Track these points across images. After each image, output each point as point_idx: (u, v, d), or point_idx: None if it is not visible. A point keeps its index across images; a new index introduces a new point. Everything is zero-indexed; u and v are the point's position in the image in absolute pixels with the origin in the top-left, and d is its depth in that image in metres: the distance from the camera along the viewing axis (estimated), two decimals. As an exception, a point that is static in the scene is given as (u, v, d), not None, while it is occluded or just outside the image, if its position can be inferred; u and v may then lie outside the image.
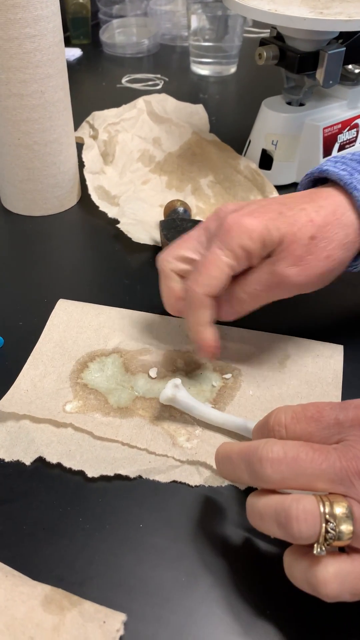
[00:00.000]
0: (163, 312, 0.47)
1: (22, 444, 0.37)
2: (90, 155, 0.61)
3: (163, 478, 0.35)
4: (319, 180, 0.42)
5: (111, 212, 0.57)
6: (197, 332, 0.38)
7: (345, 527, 0.26)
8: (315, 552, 0.26)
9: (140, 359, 0.43)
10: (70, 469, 0.35)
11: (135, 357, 0.43)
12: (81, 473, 0.35)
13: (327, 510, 0.26)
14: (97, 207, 0.57)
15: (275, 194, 0.60)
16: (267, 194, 0.60)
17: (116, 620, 0.29)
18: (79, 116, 0.68)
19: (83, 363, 0.42)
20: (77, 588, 0.31)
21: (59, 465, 0.36)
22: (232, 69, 0.95)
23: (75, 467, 0.35)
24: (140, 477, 0.35)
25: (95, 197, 0.58)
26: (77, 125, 0.64)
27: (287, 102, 0.63)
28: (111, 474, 0.35)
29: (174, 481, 0.35)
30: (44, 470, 0.36)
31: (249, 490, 0.34)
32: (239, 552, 0.32)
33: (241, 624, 0.30)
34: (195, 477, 0.35)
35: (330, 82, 0.58)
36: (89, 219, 0.59)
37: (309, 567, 0.27)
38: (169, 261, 0.40)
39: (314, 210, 0.37)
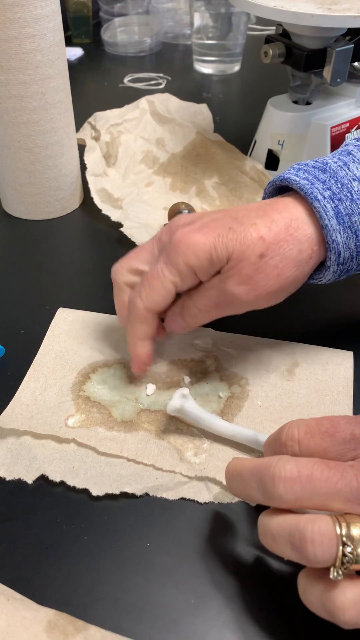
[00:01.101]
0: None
1: (24, 461, 0.35)
2: (93, 157, 0.60)
3: (171, 495, 0.34)
4: (284, 188, 0.40)
5: (114, 215, 0.55)
6: (133, 345, 0.38)
7: None
8: (331, 576, 0.25)
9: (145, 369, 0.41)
10: (74, 487, 0.34)
11: None
12: (85, 491, 0.34)
13: (344, 532, 0.25)
14: (100, 210, 0.56)
15: (281, 195, 0.58)
16: (274, 195, 0.58)
17: (123, 646, 0.28)
18: (81, 117, 0.67)
19: (85, 375, 0.41)
20: (82, 611, 0.29)
21: (62, 483, 0.34)
22: (236, 67, 0.94)
23: (80, 486, 0.34)
24: (147, 494, 0.34)
25: (97, 200, 0.56)
26: (78, 127, 0.63)
27: (294, 101, 0.62)
28: (117, 492, 0.34)
29: (182, 498, 0.34)
30: (46, 488, 0.35)
31: (260, 507, 0.33)
32: (251, 572, 0.31)
33: (254, 649, 0.28)
34: (204, 494, 0.34)
35: (338, 80, 0.57)
36: (91, 222, 0.58)
37: (325, 592, 0.25)
38: (121, 273, 0.39)
39: (266, 225, 0.35)
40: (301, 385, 0.40)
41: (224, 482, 0.34)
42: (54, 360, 0.42)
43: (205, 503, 0.34)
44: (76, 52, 0.98)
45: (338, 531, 0.25)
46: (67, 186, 0.57)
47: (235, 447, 0.36)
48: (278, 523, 0.27)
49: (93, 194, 0.57)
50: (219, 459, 0.36)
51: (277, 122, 0.61)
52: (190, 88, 0.88)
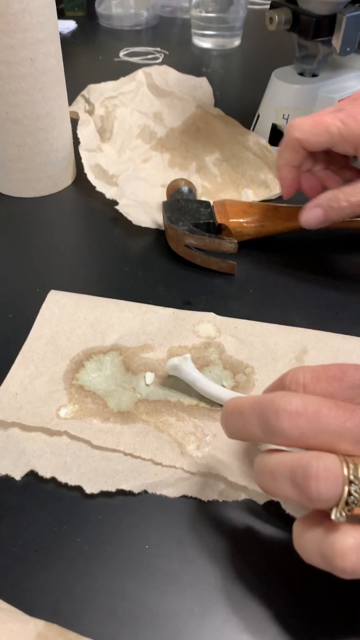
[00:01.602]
0: (167, 302, 0.43)
1: (11, 456, 0.32)
2: (86, 132, 0.56)
3: (171, 492, 0.31)
4: None
5: (109, 192, 0.52)
6: (279, 170, 0.44)
7: None
8: (333, 517, 0.23)
9: (142, 357, 0.38)
10: (66, 484, 0.31)
11: (137, 355, 0.39)
12: (78, 488, 0.31)
13: (351, 471, 0.23)
14: (94, 187, 0.53)
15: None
16: (279, 172, 0.55)
17: (120, 661, 0.25)
18: (74, 92, 0.63)
19: (78, 362, 0.38)
20: (75, 621, 0.27)
21: (53, 479, 0.32)
22: (236, 42, 0.90)
23: (72, 482, 0.31)
24: (145, 491, 0.31)
25: (91, 177, 0.53)
26: (71, 101, 0.59)
27: (299, 72, 0.59)
28: (113, 489, 0.31)
29: (184, 496, 0.31)
30: (36, 485, 0.32)
31: (269, 505, 0.31)
32: (262, 577, 0.28)
33: (264, 663, 0.26)
34: (207, 491, 0.31)
35: (348, 49, 0.53)
36: (85, 200, 0.55)
37: (323, 537, 0.23)
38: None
39: None
40: None
41: (230, 478, 0.31)
42: (45, 346, 0.39)
43: (208, 501, 0.31)
44: (69, 25, 0.94)
45: (345, 470, 0.23)
46: (59, 162, 0.54)
47: (240, 441, 0.34)
48: (279, 459, 0.25)
49: (87, 169, 0.53)
50: (224, 452, 0.33)
51: (282, 94, 0.57)
52: (188, 63, 0.84)
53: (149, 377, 0.37)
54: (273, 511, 0.30)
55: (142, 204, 0.51)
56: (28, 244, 0.50)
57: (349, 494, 0.23)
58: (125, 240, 0.50)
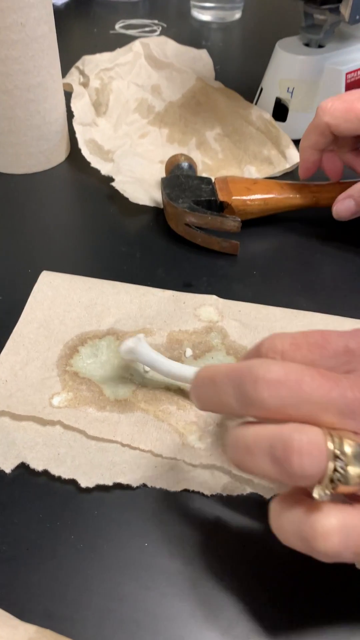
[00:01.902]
0: (166, 284, 0.40)
1: (1, 447, 0.30)
2: (80, 105, 0.53)
3: (172, 486, 0.29)
4: None
5: (104, 168, 0.50)
6: (302, 151, 0.45)
7: (354, 470, 0.21)
8: (316, 495, 0.21)
9: None
10: (59, 478, 0.29)
11: None
12: (73, 482, 0.29)
13: (336, 445, 0.21)
14: (89, 163, 0.50)
15: (292, 148, 0.52)
16: (283, 147, 0.52)
17: (117, 669, 0.23)
18: (68, 65, 0.60)
19: (73, 347, 0.36)
20: (68, 626, 0.25)
21: (45, 472, 0.30)
22: (237, 15, 0.87)
23: (66, 475, 0.29)
24: (144, 485, 0.29)
25: (86, 152, 0.50)
26: (65, 73, 0.56)
27: (305, 43, 0.56)
28: (109, 483, 0.29)
29: (186, 490, 0.29)
30: (27, 478, 0.30)
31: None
32: (268, 578, 0.27)
33: (273, 671, 0.24)
34: (210, 484, 0.29)
35: (358, 17, 0.50)
36: (79, 176, 0.52)
37: (304, 517, 0.22)
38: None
39: None
40: None
41: (234, 471, 0.29)
42: (36, 330, 0.37)
43: (212, 495, 0.29)
44: (63, -3, 0.90)
45: (329, 444, 0.21)
46: (52, 136, 0.51)
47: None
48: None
49: (81, 144, 0.51)
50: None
51: (287, 66, 0.55)
52: (187, 36, 0.81)
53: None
54: None
55: (139, 181, 0.49)
56: (19, 222, 0.47)
57: (334, 470, 0.21)
58: (122, 218, 0.48)
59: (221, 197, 0.45)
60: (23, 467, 0.30)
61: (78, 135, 0.51)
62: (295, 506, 0.22)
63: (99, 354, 0.35)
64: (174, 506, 0.29)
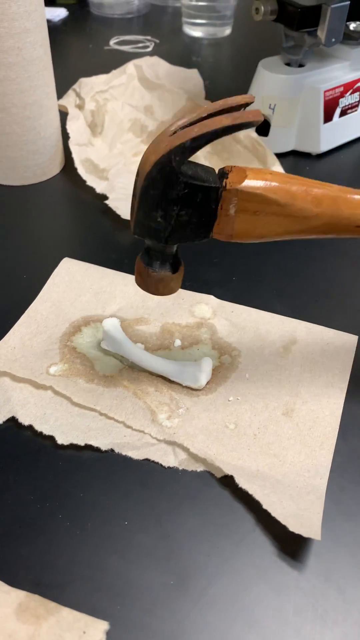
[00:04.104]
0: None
1: None
2: (76, 126, 0.56)
3: (136, 455, 0.33)
4: None
5: (99, 186, 0.53)
6: None
7: None
8: None
9: (137, 329, 0.41)
10: (41, 433, 0.34)
11: (132, 326, 0.41)
12: (51, 438, 0.34)
13: None
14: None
15: (277, 165, 0.56)
16: (269, 165, 0.56)
17: (97, 629, 0.26)
18: (65, 80, 0.63)
19: (77, 326, 0.41)
20: (55, 593, 0.28)
21: (30, 427, 0.34)
22: (227, 31, 0.90)
23: (47, 432, 0.34)
24: (112, 450, 0.33)
25: (82, 171, 0.54)
26: (61, 90, 0.59)
27: (286, 63, 0.59)
28: (82, 443, 0.33)
29: (147, 459, 0.33)
30: (15, 431, 0.34)
31: (224, 478, 0.32)
32: (233, 550, 0.30)
33: (236, 632, 0.27)
34: (170, 458, 0.33)
35: (333, 40, 0.54)
36: (73, 188, 0.55)
37: None
38: None
39: None
40: (295, 363, 0.39)
41: (192, 450, 0.33)
42: (49, 308, 0.42)
43: (169, 467, 0.33)
44: (60, 13, 0.93)
45: None
46: (47, 150, 0.55)
47: (211, 417, 0.35)
48: None
49: (77, 164, 0.54)
50: (192, 425, 0.35)
51: (269, 84, 0.58)
52: (179, 51, 0.84)
53: (139, 347, 0.39)
54: (229, 483, 0.32)
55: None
56: (15, 231, 0.50)
57: None
58: (113, 229, 0.51)
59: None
60: (13, 421, 0.34)
61: (74, 155, 0.54)
62: None
63: (98, 335, 0.40)
64: (153, 487, 0.32)
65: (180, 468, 0.33)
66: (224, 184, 0.29)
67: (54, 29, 0.89)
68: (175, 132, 0.28)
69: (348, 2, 0.52)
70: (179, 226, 0.30)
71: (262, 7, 0.54)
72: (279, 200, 0.29)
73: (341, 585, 0.29)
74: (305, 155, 0.61)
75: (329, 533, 0.30)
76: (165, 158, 0.28)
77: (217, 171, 0.30)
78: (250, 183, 0.29)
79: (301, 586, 0.28)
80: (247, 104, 0.29)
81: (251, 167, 0.31)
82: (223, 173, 0.30)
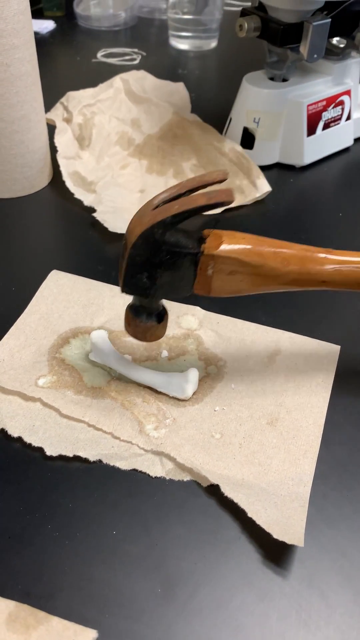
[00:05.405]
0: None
1: None
2: (64, 140, 0.57)
3: (124, 465, 0.34)
4: None
5: (87, 199, 0.54)
6: None
7: None
8: None
9: (124, 340, 0.41)
10: (30, 445, 0.34)
11: (119, 338, 0.41)
12: (40, 450, 0.34)
13: None
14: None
15: (262, 178, 0.57)
16: (254, 178, 0.57)
17: (86, 637, 0.27)
18: (52, 92, 0.64)
19: (65, 338, 0.41)
20: (44, 602, 0.28)
21: (20, 439, 0.35)
22: (213, 44, 0.91)
23: (35, 443, 0.34)
24: (100, 461, 0.34)
25: (70, 184, 0.54)
26: (48, 103, 0.60)
27: (270, 77, 0.60)
28: (70, 454, 0.34)
29: (135, 469, 0.34)
30: (3, 442, 0.35)
31: (211, 487, 0.32)
32: (218, 559, 0.30)
33: (221, 639, 0.28)
34: (157, 468, 0.34)
35: (315, 56, 0.55)
36: (61, 201, 0.56)
37: None
38: None
39: None
40: (279, 373, 0.40)
41: (179, 460, 0.34)
42: (38, 320, 0.42)
43: (156, 477, 0.33)
44: (48, 25, 0.94)
45: None
46: (35, 163, 0.55)
47: (197, 427, 0.36)
48: None
49: (65, 177, 0.55)
50: (179, 435, 0.35)
51: (253, 98, 0.59)
52: (165, 64, 0.85)
53: (126, 359, 0.40)
54: (215, 492, 0.33)
55: (120, 210, 0.53)
56: (3, 244, 0.51)
57: None
58: (101, 242, 0.51)
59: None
60: (2, 433, 0.35)
61: (62, 169, 0.55)
62: None
63: (86, 347, 0.40)
64: (140, 497, 0.33)
65: (167, 478, 0.34)
66: (201, 249, 0.32)
67: (41, 41, 0.90)
68: (157, 207, 0.31)
69: (329, 20, 0.53)
70: (162, 285, 0.33)
71: (246, 24, 0.55)
72: (252, 262, 0.32)
73: (324, 590, 0.29)
74: (290, 168, 0.62)
75: (312, 540, 0.31)
76: (149, 231, 0.31)
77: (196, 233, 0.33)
78: (225, 248, 0.32)
79: (285, 592, 0.29)
80: (221, 181, 0.32)
81: (227, 231, 0.33)
82: (201, 238, 0.32)
